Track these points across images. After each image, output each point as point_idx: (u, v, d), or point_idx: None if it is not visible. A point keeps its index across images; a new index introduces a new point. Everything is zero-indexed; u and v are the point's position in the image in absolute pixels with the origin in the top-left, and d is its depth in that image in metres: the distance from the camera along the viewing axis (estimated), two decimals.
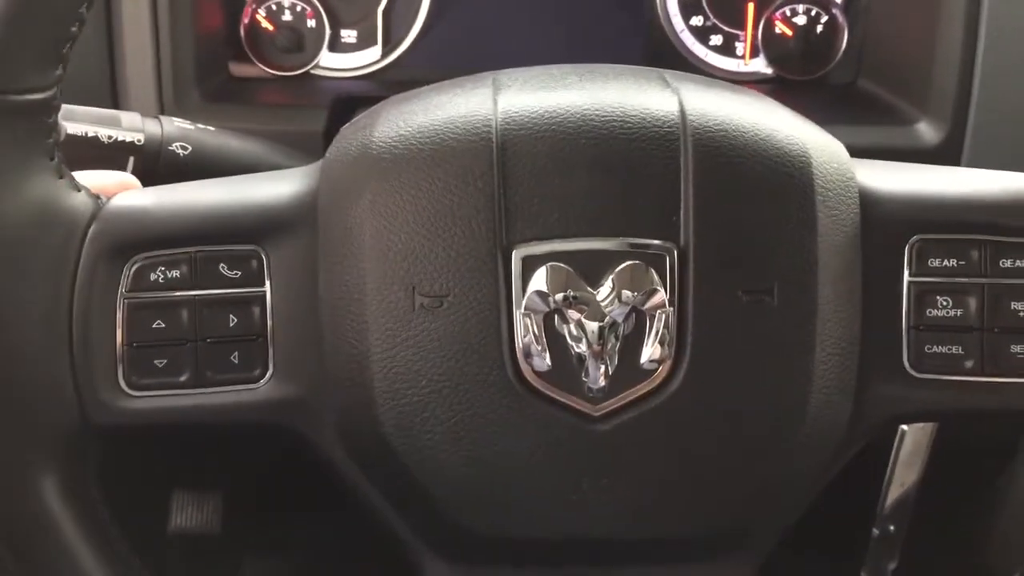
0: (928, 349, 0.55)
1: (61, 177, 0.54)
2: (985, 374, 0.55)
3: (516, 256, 0.52)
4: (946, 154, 0.88)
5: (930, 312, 0.55)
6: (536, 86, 0.56)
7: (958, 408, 0.56)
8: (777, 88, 1.03)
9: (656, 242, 0.52)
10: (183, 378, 0.54)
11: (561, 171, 0.52)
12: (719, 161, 0.52)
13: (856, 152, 0.88)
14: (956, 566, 0.91)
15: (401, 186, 0.53)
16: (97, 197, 0.55)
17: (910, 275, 0.55)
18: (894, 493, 0.92)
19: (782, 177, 0.53)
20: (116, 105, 0.91)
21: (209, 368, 0.54)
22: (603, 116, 0.53)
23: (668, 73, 0.59)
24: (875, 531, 0.94)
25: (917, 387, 0.55)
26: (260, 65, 1.02)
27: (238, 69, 1.02)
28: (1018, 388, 0.55)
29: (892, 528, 0.92)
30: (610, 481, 0.53)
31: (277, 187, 0.57)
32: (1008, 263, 0.55)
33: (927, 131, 0.89)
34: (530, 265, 0.52)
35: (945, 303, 0.55)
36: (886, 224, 0.55)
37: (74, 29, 0.51)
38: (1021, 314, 0.54)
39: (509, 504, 0.54)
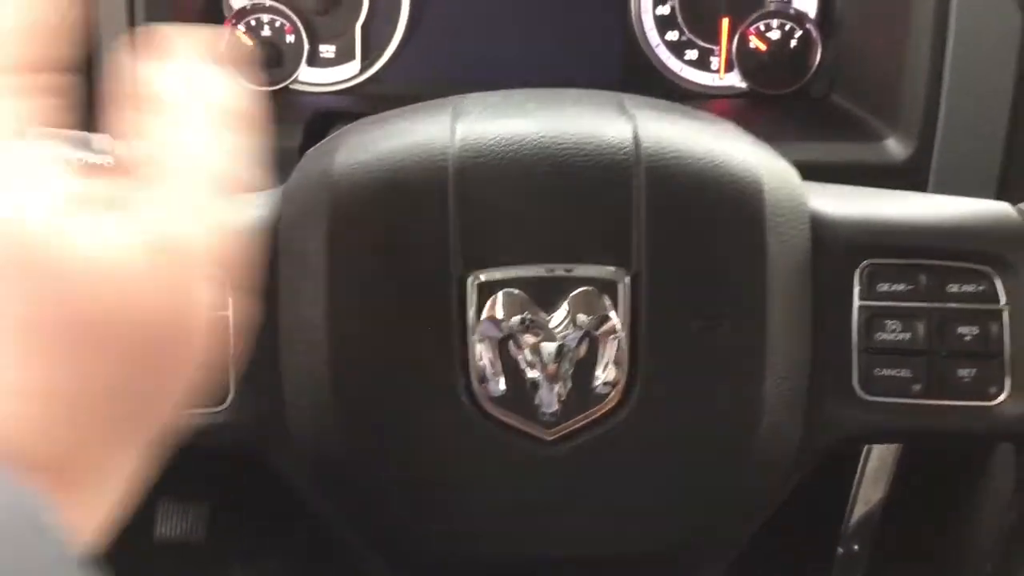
0: (877, 372, 0.56)
1: None
2: (932, 397, 0.56)
3: (471, 282, 0.53)
4: (914, 170, 0.89)
5: (879, 335, 0.56)
6: (495, 113, 0.57)
7: (907, 430, 0.57)
8: (751, 102, 1.04)
9: (609, 268, 0.53)
10: None
11: (516, 198, 0.53)
12: (671, 188, 0.53)
13: (826, 167, 0.89)
14: None
15: (358, 213, 0.54)
16: None
17: (860, 299, 0.56)
18: (859, 511, 0.93)
19: (733, 204, 0.54)
20: (94, 122, 0.92)
21: None
22: (558, 144, 0.54)
23: (628, 98, 0.59)
24: (840, 550, 0.95)
25: (867, 410, 0.56)
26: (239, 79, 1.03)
27: None
28: (965, 411, 0.56)
29: (857, 547, 0.93)
30: (564, 503, 0.54)
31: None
32: (955, 288, 0.56)
33: (896, 147, 0.90)
34: (485, 291, 0.53)
35: (894, 327, 0.56)
36: (837, 249, 0.56)
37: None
38: (968, 338, 0.55)
39: (465, 525, 0.55)
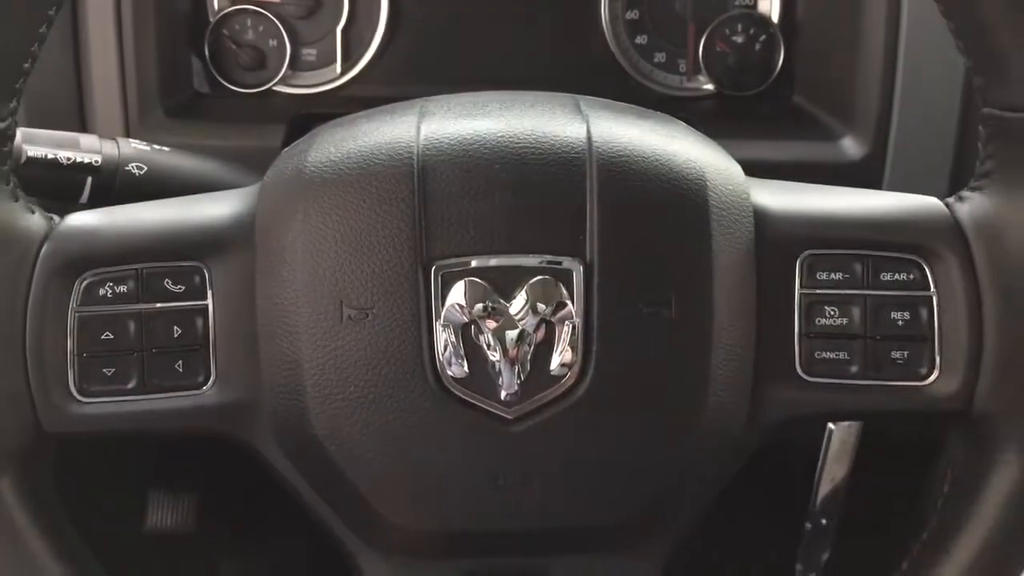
0: (818, 355, 0.60)
1: (16, 200, 0.58)
2: (868, 378, 0.59)
3: (435, 272, 0.56)
4: (869, 168, 0.93)
5: (819, 321, 0.60)
6: (458, 114, 0.61)
7: (846, 409, 0.61)
8: (718, 103, 1.08)
9: (565, 259, 0.56)
10: (130, 385, 0.59)
11: (477, 193, 0.57)
12: (622, 184, 0.57)
13: (787, 165, 0.94)
14: (886, 556, 0.96)
15: (330, 207, 0.57)
16: (51, 218, 0.60)
17: (800, 287, 0.60)
18: (825, 488, 0.97)
19: (679, 198, 0.58)
20: (83, 121, 0.96)
21: (155, 376, 0.59)
22: (517, 143, 0.58)
23: (584, 100, 0.63)
24: (808, 524, 0.99)
25: (808, 390, 0.60)
26: (223, 82, 1.07)
27: (202, 86, 1.07)
28: (898, 391, 0.59)
29: (824, 521, 0.97)
30: (524, 478, 0.57)
31: (219, 207, 0.61)
32: (888, 276, 0.59)
33: (851, 146, 0.94)
34: (448, 280, 0.56)
35: (832, 312, 0.60)
36: (779, 241, 0.60)
37: (27, 65, 0.56)
38: (900, 323, 0.59)
39: (433, 500, 0.59)
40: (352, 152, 0.59)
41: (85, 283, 0.58)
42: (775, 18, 1.06)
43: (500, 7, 1.07)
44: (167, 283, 0.59)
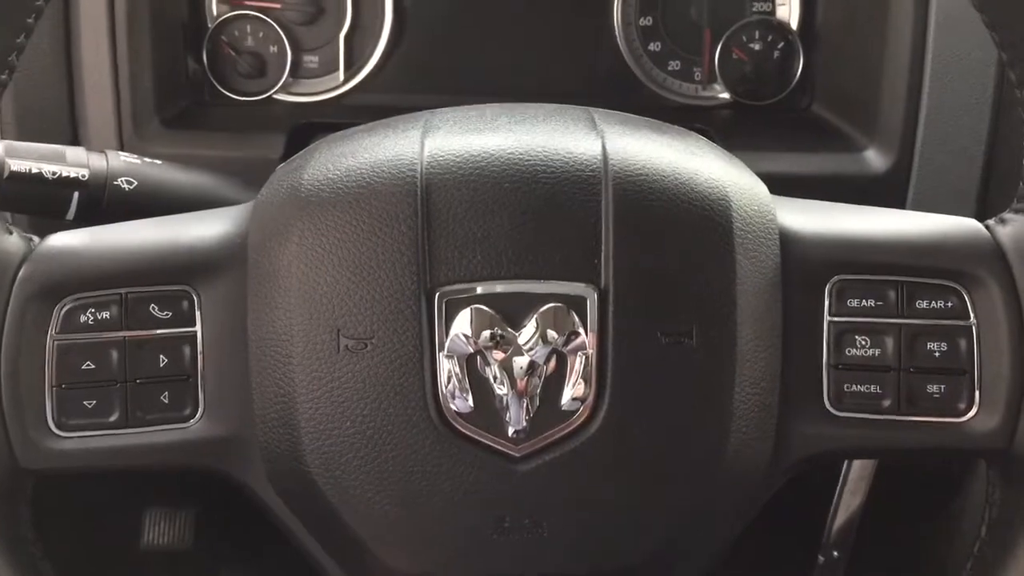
0: (848, 388, 0.56)
1: None
2: (902, 413, 0.56)
3: (439, 298, 0.53)
4: (894, 182, 0.89)
5: (849, 351, 0.56)
6: (464, 128, 0.57)
7: (877, 446, 0.57)
8: (734, 113, 1.04)
9: (577, 285, 0.53)
10: (113, 418, 0.55)
11: (484, 214, 0.53)
12: (639, 204, 0.53)
13: (807, 178, 0.90)
14: None
15: (327, 229, 0.54)
16: (30, 239, 0.56)
17: (830, 315, 0.56)
18: (839, 520, 0.93)
19: (701, 220, 0.54)
20: (75, 132, 0.92)
21: (139, 408, 0.55)
22: (527, 160, 0.54)
23: (599, 114, 0.59)
24: (821, 557, 0.95)
25: (837, 425, 0.56)
26: (222, 90, 1.03)
27: (199, 94, 1.03)
28: (934, 427, 0.56)
29: (836, 554, 0.93)
30: (532, 520, 0.54)
31: (209, 227, 0.58)
32: (924, 304, 0.56)
33: (875, 158, 0.90)
34: (453, 307, 0.53)
35: (864, 343, 0.56)
36: (806, 264, 0.56)
37: (3, 76, 0.52)
38: (937, 355, 0.55)
39: (434, 543, 0.55)
40: (351, 169, 0.55)
41: (65, 309, 0.55)
42: (794, 25, 1.03)
43: (508, 14, 1.04)
44: (153, 309, 0.55)
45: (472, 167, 0.54)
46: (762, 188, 0.58)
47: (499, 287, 0.53)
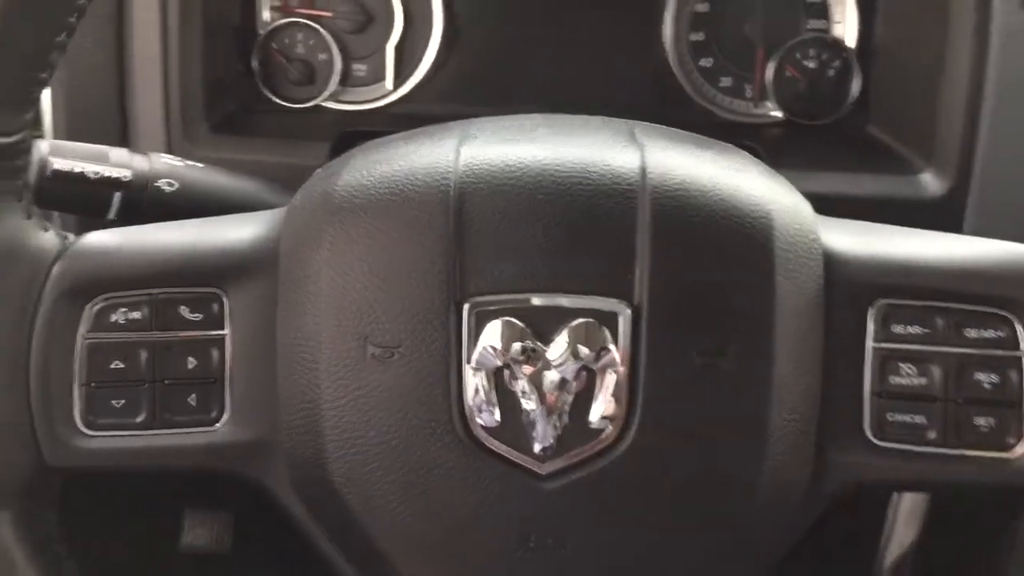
0: (890, 417, 0.54)
1: (29, 217, 0.55)
2: (948, 446, 0.53)
3: (469, 309, 0.51)
4: (950, 206, 0.86)
5: (893, 379, 0.54)
6: (502, 138, 0.56)
7: (920, 479, 0.55)
8: (787, 132, 1.02)
9: (610, 300, 0.51)
10: (140, 418, 0.55)
11: (518, 225, 0.52)
12: (676, 219, 0.52)
13: (859, 200, 0.87)
14: None
15: (358, 235, 0.53)
16: (65, 237, 0.56)
17: (873, 340, 0.54)
18: (892, 554, 0.90)
19: (740, 237, 0.52)
20: (124, 133, 0.93)
21: (166, 409, 0.55)
22: (563, 171, 0.53)
23: (639, 127, 0.58)
24: None
25: (878, 455, 0.54)
26: (271, 96, 1.04)
27: (249, 99, 1.04)
28: (981, 462, 0.53)
29: None
30: (557, 540, 0.52)
31: (242, 230, 0.57)
32: (974, 332, 0.53)
33: (932, 182, 0.87)
34: (483, 319, 0.51)
35: (909, 371, 0.54)
36: (850, 287, 0.54)
37: (44, 75, 0.52)
38: (986, 385, 0.53)
39: (456, 558, 0.54)
40: (385, 176, 0.54)
41: (96, 308, 0.55)
42: (851, 43, 1.00)
43: (559, 26, 1.03)
44: (183, 310, 0.55)
45: (507, 177, 0.53)
46: (806, 207, 0.56)
47: (530, 300, 0.51)
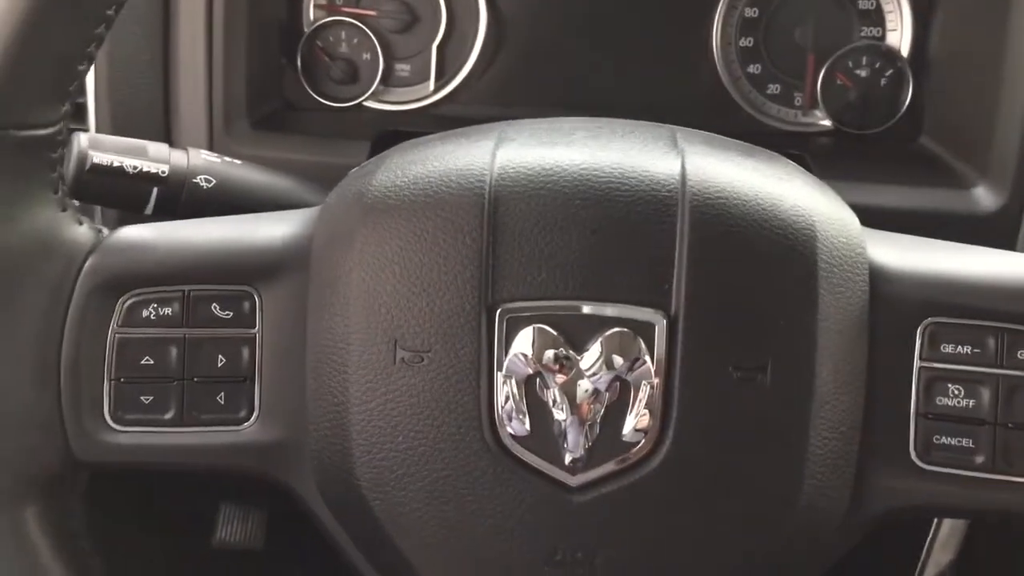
0: (937, 440, 0.52)
1: (64, 210, 0.55)
2: (996, 471, 0.51)
3: (500, 315, 0.50)
4: (1004, 222, 0.83)
5: (940, 400, 0.52)
6: (539, 141, 0.55)
7: (966, 505, 0.53)
8: (836, 141, 0.99)
9: (646, 309, 0.50)
10: (168, 416, 0.54)
11: (553, 230, 0.51)
12: (717, 229, 0.50)
13: (910, 213, 0.85)
14: None
15: (390, 236, 0.52)
16: (99, 231, 0.56)
17: (920, 359, 0.52)
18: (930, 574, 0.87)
19: (782, 249, 0.51)
20: (167, 128, 0.94)
21: (195, 407, 0.54)
22: (601, 176, 0.52)
23: (681, 132, 0.57)
24: None
25: (923, 479, 0.52)
26: (314, 95, 1.03)
27: (292, 97, 1.04)
28: None
29: None
30: (585, 554, 0.51)
31: (275, 228, 0.57)
32: None
33: (985, 196, 0.85)
34: (514, 325, 0.50)
35: (957, 392, 0.52)
36: (897, 304, 0.52)
37: (81, 67, 0.52)
38: None
39: (481, 569, 0.52)
40: (420, 177, 0.53)
41: (128, 303, 0.54)
42: (905, 51, 0.97)
43: (606, 29, 1.01)
44: (214, 308, 0.55)
45: (543, 181, 0.52)
46: (852, 219, 0.54)
47: (564, 306, 0.50)
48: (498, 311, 0.50)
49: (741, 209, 0.51)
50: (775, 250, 0.50)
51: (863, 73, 0.98)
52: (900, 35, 0.98)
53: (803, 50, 0.99)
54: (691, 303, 0.49)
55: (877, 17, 0.98)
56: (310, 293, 0.54)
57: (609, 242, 0.50)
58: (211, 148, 0.94)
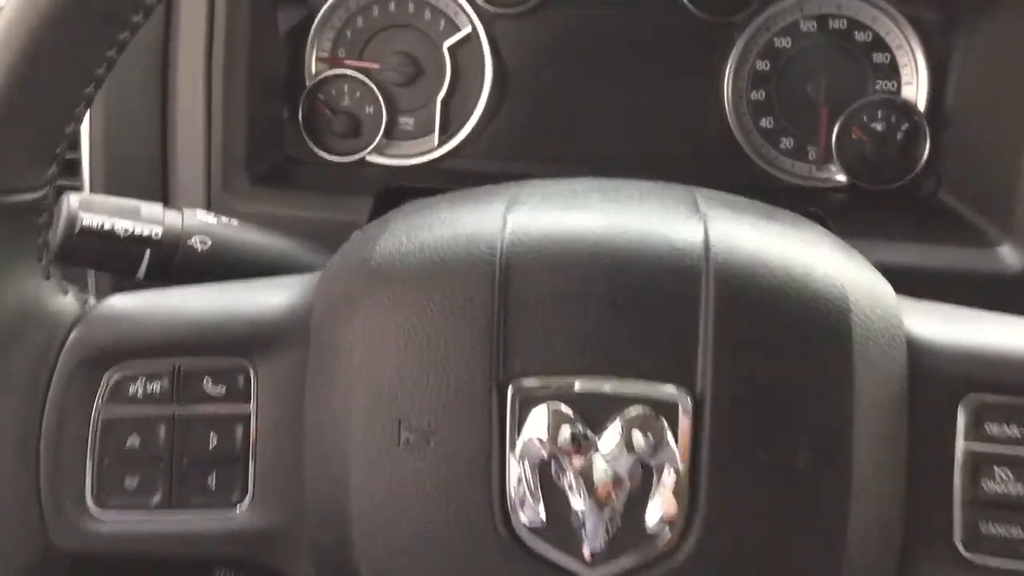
0: (984, 529, 0.48)
1: (48, 278, 0.52)
2: None
3: (512, 393, 0.47)
4: None
5: (987, 485, 0.48)
6: (553, 204, 0.52)
7: None
8: (851, 197, 0.97)
9: (669, 388, 0.47)
10: (155, 499, 0.51)
11: (568, 302, 0.47)
12: (744, 301, 0.47)
13: (931, 273, 0.82)
14: None
15: (395, 306, 0.49)
16: (85, 300, 0.53)
17: (965, 440, 0.48)
18: None
19: (815, 323, 0.47)
20: (164, 183, 0.91)
21: (184, 490, 0.51)
22: (619, 244, 0.48)
23: (701, 195, 0.54)
24: None
25: (970, 571, 0.48)
26: (315, 149, 1.01)
27: (292, 152, 1.01)
28: None
29: None
30: None
31: (272, 296, 0.54)
32: None
33: (1010, 255, 0.82)
34: (527, 404, 0.47)
35: (1004, 476, 0.48)
36: (938, 380, 0.49)
37: (68, 129, 0.49)
38: None
39: None
40: (427, 243, 0.50)
41: (115, 378, 0.51)
42: (921, 105, 0.95)
43: (613, 82, 0.99)
44: (206, 382, 0.51)
45: (558, 249, 0.48)
46: (887, 289, 0.51)
47: (580, 384, 0.47)
48: (510, 388, 0.47)
49: (769, 279, 0.47)
50: (807, 323, 0.47)
51: (879, 127, 0.96)
52: (916, 88, 0.96)
53: (816, 104, 0.97)
54: (718, 381, 0.46)
55: (891, 71, 0.96)
56: (309, 367, 0.51)
57: (629, 315, 0.47)
58: (209, 204, 0.91)
